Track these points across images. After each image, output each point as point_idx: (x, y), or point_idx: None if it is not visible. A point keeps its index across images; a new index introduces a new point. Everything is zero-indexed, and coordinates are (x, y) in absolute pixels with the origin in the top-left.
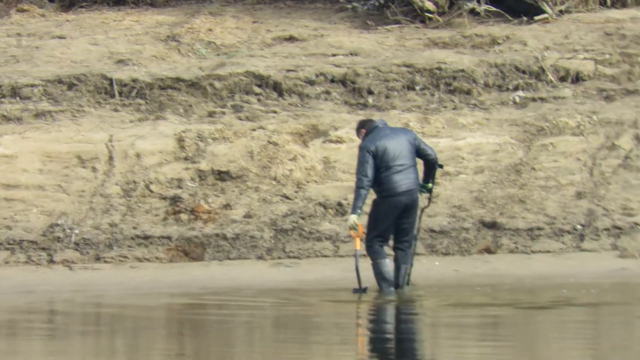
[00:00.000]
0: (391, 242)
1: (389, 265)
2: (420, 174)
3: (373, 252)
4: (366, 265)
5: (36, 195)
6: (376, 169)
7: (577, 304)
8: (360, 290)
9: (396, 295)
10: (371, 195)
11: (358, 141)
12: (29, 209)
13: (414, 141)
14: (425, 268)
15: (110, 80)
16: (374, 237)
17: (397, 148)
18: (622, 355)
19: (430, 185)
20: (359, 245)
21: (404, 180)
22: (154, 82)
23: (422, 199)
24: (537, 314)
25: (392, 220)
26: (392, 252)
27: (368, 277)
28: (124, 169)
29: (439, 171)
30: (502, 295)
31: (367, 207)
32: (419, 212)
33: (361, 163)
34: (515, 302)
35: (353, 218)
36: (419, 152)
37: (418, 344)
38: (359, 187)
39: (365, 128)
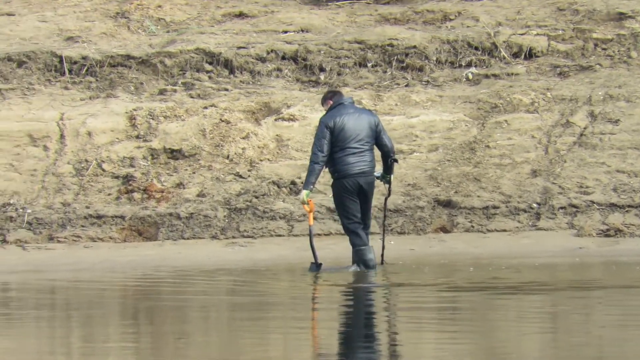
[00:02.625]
0: None
1: (371, 251)
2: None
3: (352, 238)
4: (321, 244)
5: None
6: (331, 147)
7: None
8: (316, 265)
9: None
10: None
11: (311, 118)
12: None
13: (375, 127)
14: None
15: (60, 57)
16: (346, 220)
17: (356, 129)
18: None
19: (389, 176)
20: (312, 221)
21: (357, 162)
22: (104, 59)
23: (383, 188)
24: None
25: (354, 199)
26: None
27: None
28: (75, 148)
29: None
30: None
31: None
32: (383, 202)
33: (318, 138)
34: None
35: (304, 193)
36: (377, 140)
37: (374, 321)
38: (313, 161)
39: (333, 100)
